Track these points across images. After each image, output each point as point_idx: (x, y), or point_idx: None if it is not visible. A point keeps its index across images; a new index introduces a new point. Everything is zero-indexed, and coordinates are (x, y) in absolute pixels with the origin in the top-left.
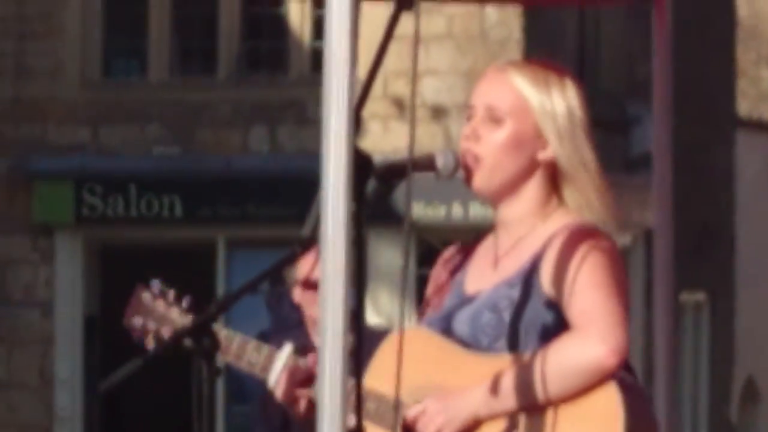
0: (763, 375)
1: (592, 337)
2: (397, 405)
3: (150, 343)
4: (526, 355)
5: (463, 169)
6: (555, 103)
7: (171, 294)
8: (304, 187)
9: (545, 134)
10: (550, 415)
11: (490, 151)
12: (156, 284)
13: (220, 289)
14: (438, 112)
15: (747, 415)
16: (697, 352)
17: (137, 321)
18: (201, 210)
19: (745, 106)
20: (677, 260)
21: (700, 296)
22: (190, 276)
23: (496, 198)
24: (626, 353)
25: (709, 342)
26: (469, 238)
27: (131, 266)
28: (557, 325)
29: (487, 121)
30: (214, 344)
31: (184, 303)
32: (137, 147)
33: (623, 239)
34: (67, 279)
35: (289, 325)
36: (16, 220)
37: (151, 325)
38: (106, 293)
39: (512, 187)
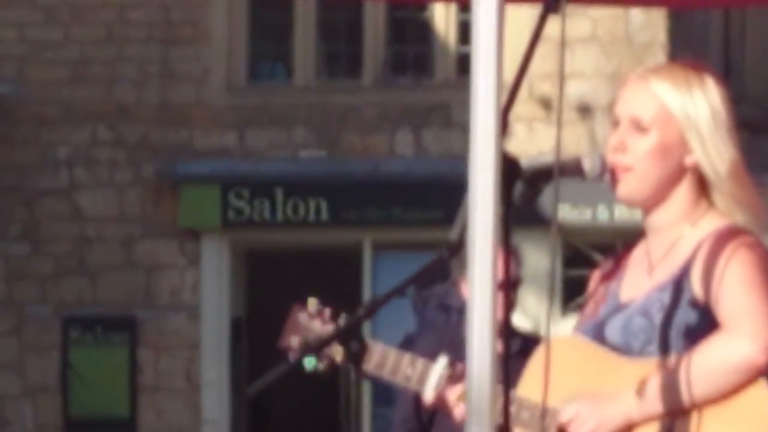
0: None
1: (743, 336)
2: (544, 411)
3: (310, 363)
4: (675, 357)
5: (611, 180)
6: (698, 107)
7: (327, 312)
8: (449, 191)
9: (689, 140)
10: (701, 416)
11: (637, 160)
12: (313, 303)
13: (366, 293)
14: (583, 114)
15: None
16: None
17: (294, 341)
18: (347, 213)
19: None
20: None
21: None
22: (336, 279)
23: (646, 206)
24: None
25: None
26: (615, 240)
27: (278, 269)
28: (702, 325)
29: (632, 131)
30: (363, 348)
31: (341, 320)
32: (283, 151)
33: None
34: (214, 282)
35: (434, 327)
36: (163, 224)
37: (309, 344)
38: (252, 296)
39: (661, 194)
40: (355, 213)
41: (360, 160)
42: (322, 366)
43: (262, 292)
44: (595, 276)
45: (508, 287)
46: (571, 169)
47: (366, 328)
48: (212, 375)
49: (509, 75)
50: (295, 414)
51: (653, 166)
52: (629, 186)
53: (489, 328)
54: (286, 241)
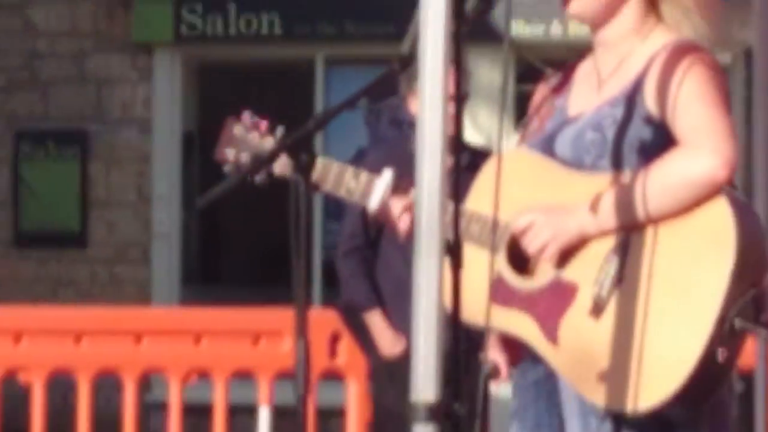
0: None
1: (704, 151)
2: (495, 224)
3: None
4: (633, 172)
5: None
6: None
7: (264, 124)
8: (404, 4)
9: None
10: (657, 230)
11: None
12: (247, 115)
13: (318, 107)
14: None
15: None
16: None
17: (230, 153)
18: (300, 28)
19: None
20: None
21: None
22: (289, 94)
23: (596, 21)
24: (736, 166)
25: None
26: (568, 55)
27: (230, 84)
28: (656, 141)
29: None
30: (312, 160)
31: (278, 133)
32: None
33: (723, 57)
34: (166, 97)
35: (387, 142)
36: (115, 38)
37: (245, 156)
38: (204, 111)
39: (610, 9)
40: (308, 27)
41: None
42: (261, 178)
43: (214, 106)
44: (539, 91)
45: (458, 102)
46: None
47: (318, 143)
48: (163, 189)
49: None
50: (247, 227)
51: None
52: (578, 2)
53: (439, 142)
54: (239, 55)
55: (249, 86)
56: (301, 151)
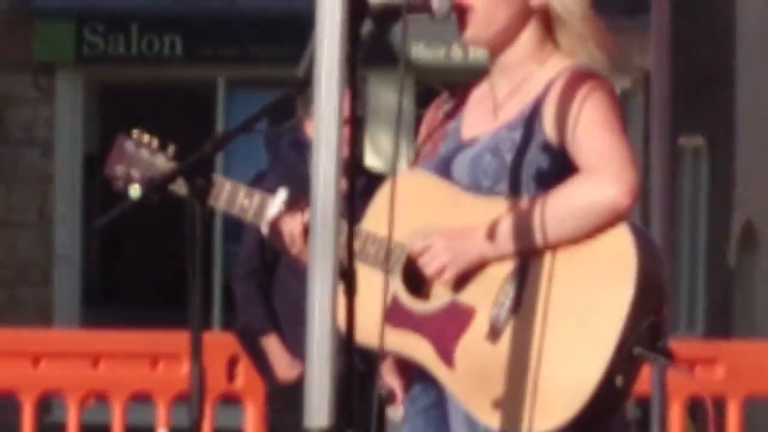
0: (762, 219)
1: (606, 178)
2: (389, 245)
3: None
4: (533, 197)
5: (457, 19)
6: None
7: (155, 141)
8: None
9: None
10: (561, 255)
11: (481, 1)
12: (137, 132)
13: (220, 128)
14: None
15: (745, 259)
16: (695, 196)
17: (120, 169)
18: (202, 49)
19: None
20: (676, 104)
21: (699, 140)
22: (191, 115)
23: (493, 46)
24: (639, 194)
25: (707, 186)
26: (468, 79)
27: (132, 105)
28: (553, 169)
29: None
30: (209, 183)
31: (170, 150)
32: None
33: (623, 83)
34: (68, 117)
35: (286, 164)
36: (16, 58)
37: (135, 173)
38: (106, 132)
39: (507, 35)
40: (210, 49)
41: None
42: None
43: (115, 127)
44: (431, 113)
45: (354, 125)
46: (420, 7)
47: (219, 165)
48: (65, 210)
49: None
50: (149, 248)
51: (497, 7)
52: (475, 27)
53: (333, 165)
54: (141, 76)
55: (151, 107)
56: (198, 174)
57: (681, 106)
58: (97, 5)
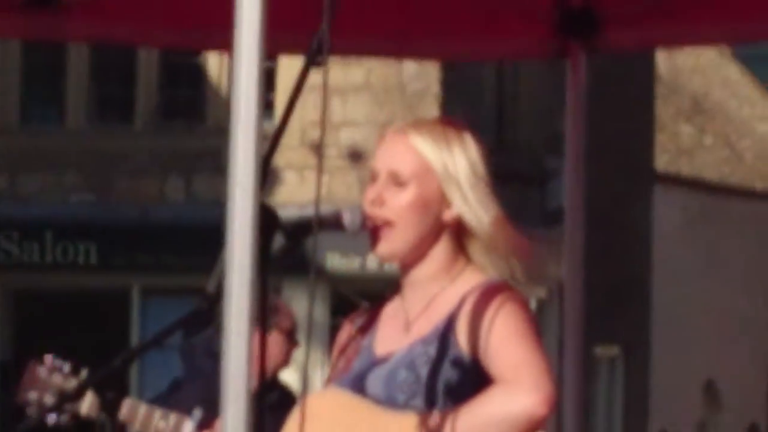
0: (676, 430)
1: (522, 388)
2: None
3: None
4: (445, 412)
5: (369, 234)
6: (457, 161)
7: (66, 366)
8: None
9: (449, 194)
10: None
11: (395, 215)
12: (49, 358)
13: (134, 337)
14: (355, 162)
15: None
16: (611, 405)
17: (32, 395)
18: (116, 258)
19: (664, 161)
20: (592, 314)
21: (614, 350)
22: (105, 324)
23: (405, 262)
24: (556, 403)
25: (623, 395)
26: (384, 289)
27: (46, 313)
28: (465, 383)
29: (390, 185)
30: (119, 398)
31: (82, 374)
32: (54, 194)
33: (539, 292)
34: None
35: (202, 374)
36: None
37: (48, 399)
38: (20, 339)
39: (419, 249)
40: (125, 258)
41: (130, 205)
42: (65, 419)
43: (30, 335)
44: (344, 330)
45: (263, 341)
46: (331, 223)
47: (133, 374)
48: None
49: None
50: None
51: (411, 220)
52: (388, 243)
53: (244, 381)
54: (55, 284)
55: (65, 315)
56: (108, 389)
57: (597, 316)
58: (12, 213)
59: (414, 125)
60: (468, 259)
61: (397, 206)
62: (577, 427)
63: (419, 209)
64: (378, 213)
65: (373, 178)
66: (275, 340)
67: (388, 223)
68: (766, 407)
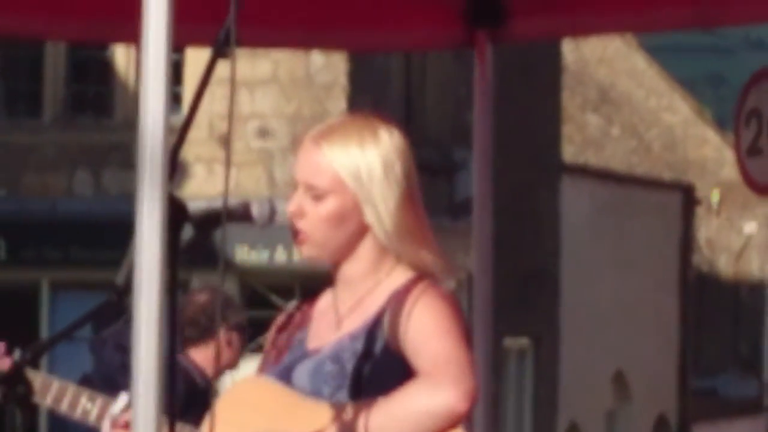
0: (586, 420)
1: (444, 382)
2: None
3: None
4: (361, 403)
5: (293, 236)
6: (371, 165)
7: (2, 346)
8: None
9: (361, 205)
10: None
11: (314, 227)
12: None
13: (44, 332)
14: (262, 156)
15: None
16: (520, 397)
17: None
18: (25, 252)
19: (570, 152)
20: (501, 306)
21: (524, 342)
22: (14, 318)
23: (332, 261)
24: (477, 397)
25: (532, 387)
26: (293, 281)
27: None
28: (387, 378)
29: (309, 197)
30: (29, 390)
31: (16, 354)
32: None
33: (448, 284)
34: None
35: (112, 368)
36: None
37: None
38: None
39: (344, 251)
40: (33, 252)
41: (38, 199)
42: None
43: None
44: (277, 323)
45: (174, 331)
46: (240, 215)
47: (43, 368)
48: None
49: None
50: None
51: (330, 232)
52: (310, 250)
53: (154, 374)
54: None
55: None
56: (17, 382)
57: (506, 308)
58: None
59: (328, 132)
60: (398, 258)
61: (316, 219)
62: (486, 418)
63: (336, 221)
64: (300, 225)
65: (294, 187)
66: (229, 338)
67: (308, 235)
68: (674, 397)
